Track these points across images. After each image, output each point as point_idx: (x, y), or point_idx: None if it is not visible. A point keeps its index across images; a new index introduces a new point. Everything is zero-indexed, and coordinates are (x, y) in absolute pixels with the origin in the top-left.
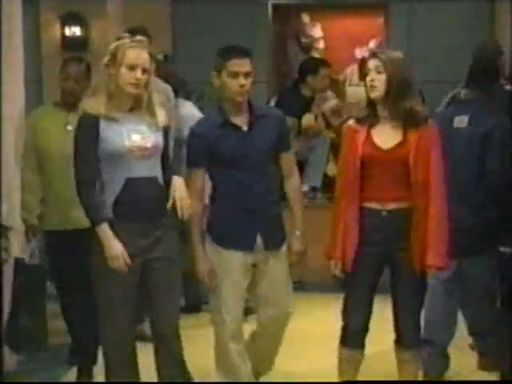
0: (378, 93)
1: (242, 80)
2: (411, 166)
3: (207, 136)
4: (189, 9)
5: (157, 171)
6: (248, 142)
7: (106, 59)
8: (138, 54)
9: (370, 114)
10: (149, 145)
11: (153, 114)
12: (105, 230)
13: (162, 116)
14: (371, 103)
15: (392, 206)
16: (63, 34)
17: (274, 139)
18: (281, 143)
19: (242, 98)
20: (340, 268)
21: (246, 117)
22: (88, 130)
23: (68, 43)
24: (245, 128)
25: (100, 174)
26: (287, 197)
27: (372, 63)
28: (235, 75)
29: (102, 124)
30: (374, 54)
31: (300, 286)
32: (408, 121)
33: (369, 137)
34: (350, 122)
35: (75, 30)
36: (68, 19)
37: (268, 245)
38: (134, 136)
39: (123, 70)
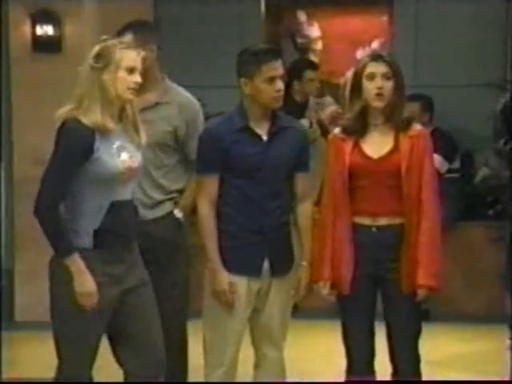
0: (385, 102)
1: (279, 84)
2: (403, 176)
3: (222, 139)
4: (173, 7)
5: (131, 194)
6: (265, 155)
7: (91, 62)
8: (136, 55)
9: (358, 122)
10: (136, 165)
11: (137, 131)
12: (77, 261)
13: (144, 133)
14: (363, 110)
15: (383, 221)
16: (34, 34)
17: (293, 155)
18: (299, 161)
19: (279, 103)
20: (328, 289)
21: (267, 126)
22: (82, 144)
23: (39, 44)
24: (264, 137)
25: (71, 198)
26: (297, 223)
27: (378, 68)
28: (272, 80)
29: (97, 141)
30: (380, 58)
31: (294, 310)
32: (401, 128)
33: (357, 145)
34: (336, 130)
35: (47, 29)
36: (39, 17)
37: (275, 270)
38: (123, 155)
39: (121, 73)
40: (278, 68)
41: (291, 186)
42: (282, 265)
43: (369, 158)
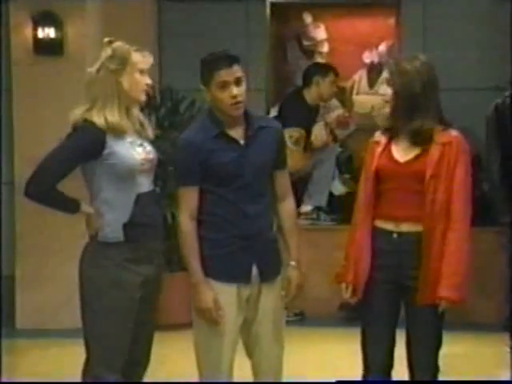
0: (387, 108)
1: (233, 90)
2: (426, 182)
3: (200, 149)
4: (176, 7)
5: (153, 185)
6: (245, 159)
7: (108, 64)
8: (147, 58)
9: (391, 125)
10: (151, 156)
11: (143, 126)
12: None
13: (150, 129)
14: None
15: (405, 227)
16: (35, 36)
17: (272, 155)
18: (278, 160)
19: (239, 111)
20: (351, 293)
21: (242, 128)
22: (91, 141)
23: (41, 46)
24: (241, 141)
25: (98, 194)
26: (279, 222)
27: (384, 74)
28: (224, 85)
29: (109, 138)
30: (385, 64)
31: (301, 318)
32: (416, 139)
33: (387, 148)
34: (377, 133)
35: (49, 32)
36: (41, 19)
37: (264, 275)
38: (138, 148)
39: (137, 75)
40: (230, 74)
41: (272, 185)
42: (271, 269)
43: (395, 162)
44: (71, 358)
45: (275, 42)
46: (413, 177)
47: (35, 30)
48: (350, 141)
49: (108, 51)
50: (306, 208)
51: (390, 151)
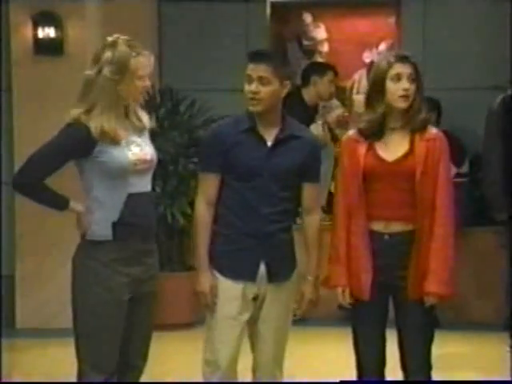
0: (408, 104)
1: (252, 86)
2: (417, 180)
3: (225, 139)
4: (177, 8)
5: (149, 186)
6: (268, 159)
7: (106, 72)
8: (147, 61)
9: (375, 124)
10: (148, 157)
11: (138, 117)
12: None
13: (146, 118)
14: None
15: (396, 227)
16: (36, 36)
17: (298, 165)
18: (307, 172)
19: (254, 108)
20: (349, 296)
21: (276, 131)
22: (82, 140)
23: (41, 46)
24: (269, 143)
25: (88, 191)
26: (304, 234)
27: (405, 69)
28: (248, 80)
29: (101, 140)
30: (406, 59)
31: (301, 318)
32: (417, 129)
33: (371, 148)
34: (351, 132)
35: (49, 32)
36: (41, 19)
37: (272, 276)
38: (133, 148)
39: (136, 82)
40: (254, 70)
41: (299, 196)
42: (280, 271)
43: (383, 161)
44: (71, 358)
45: (275, 42)
46: (402, 175)
47: (35, 30)
48: None
49: (108, 55)
50: None
51: (375, 151)
